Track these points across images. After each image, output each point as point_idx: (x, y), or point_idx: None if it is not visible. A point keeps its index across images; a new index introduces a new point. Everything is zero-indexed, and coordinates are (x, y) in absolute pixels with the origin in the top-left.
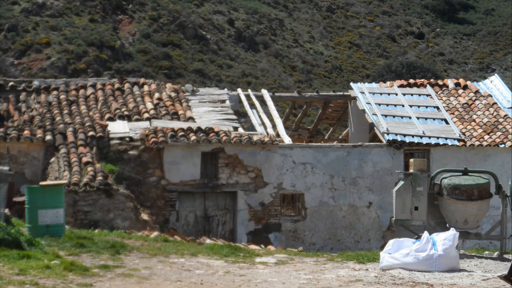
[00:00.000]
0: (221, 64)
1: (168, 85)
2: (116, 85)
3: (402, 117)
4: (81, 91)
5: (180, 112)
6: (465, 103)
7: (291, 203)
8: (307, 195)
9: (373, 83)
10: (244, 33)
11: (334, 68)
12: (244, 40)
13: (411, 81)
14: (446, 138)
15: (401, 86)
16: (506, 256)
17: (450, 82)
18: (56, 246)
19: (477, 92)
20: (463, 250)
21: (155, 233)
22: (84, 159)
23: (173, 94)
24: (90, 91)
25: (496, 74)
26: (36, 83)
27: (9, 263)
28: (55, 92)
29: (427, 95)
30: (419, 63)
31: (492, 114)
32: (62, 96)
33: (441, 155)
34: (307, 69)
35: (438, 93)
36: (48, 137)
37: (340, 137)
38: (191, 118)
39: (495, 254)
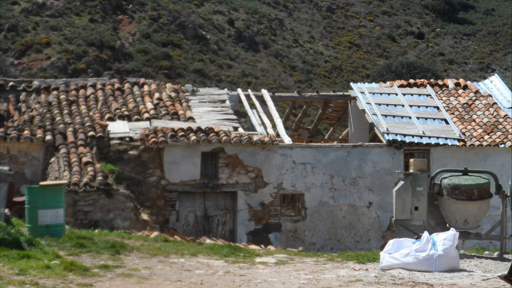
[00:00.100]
0: (221, 64)
1: (168, 85)
2: (116, 85)
3: (402, 117)
4: (81, 91)
5: (180, 112)
6: (465, 103)
7: (291, 203)
8: (307, 195)
9: (373, 83)
10: (244, 33)
11: (334, 68)
12: (244, 40)
13: (411, 81)
14: (446, 138)
15: (401, 86)
16: (506, 256)
17: (450, 82)
18: (56, 246)
19: (477, 92)
20: (463, 250)
21: (155, 233)
22: (84, 159)
23: (173, 94)
24: (90, 91)
25: (496, 74)
26: (36, 83)
27: (9, 263)
28: (55, 92)
29: (427, 95)
30: (419, 63)
31: (492, 114)
32: (62, 96)
33: (441, 155)
34: (307, 69)
35: (438, 93)
36: (48, 137)
37: (340, 137)
38: (191, 118)
39: (495, 254)
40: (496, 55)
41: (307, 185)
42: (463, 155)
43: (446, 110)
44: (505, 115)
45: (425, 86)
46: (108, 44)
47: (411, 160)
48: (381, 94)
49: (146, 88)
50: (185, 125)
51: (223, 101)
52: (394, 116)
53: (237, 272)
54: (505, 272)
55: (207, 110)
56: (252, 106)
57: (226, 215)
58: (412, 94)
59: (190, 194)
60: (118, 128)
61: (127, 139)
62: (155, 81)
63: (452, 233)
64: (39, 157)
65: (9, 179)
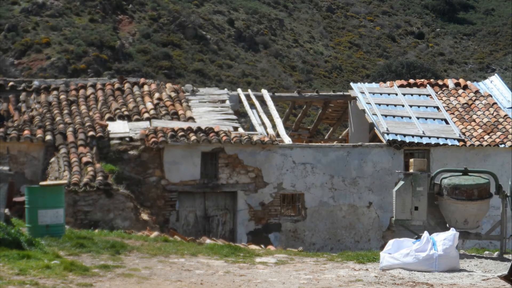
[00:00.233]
0: (221, 64)
1: (168, 85)
2: (116, 85)
3: (402, 117)
4: (81, 91)
5: (180, 112)
6: (465, 103)
7: (291, 203)
8: (307, 195)
9: (373, 83)
10: (244, 33)
11: (334, 68)
12: (244, 40)
13: (411, 81)
14: (446, 138)
15: (401, 86)
16: (506, 256)
17: (450, 82)
18: (56, 246)
19: (477, 92)
20: (463, 250)
21: (155, 233)
22: (84, 159)
23: (173, 94)
24: (90, 91)
25: (496, 74)
26: (36, 83)
27: (9, 263)
28: (55, 92)
29: (427, 95)
30: (419, 63)
31: (492, 114)
32: (62, 96)
33: (441, 155)
34: (307, 69)
35: (438, 93)
36: (48, 137)
37: (340, 137)
38: (191, 118)
39: (495, 254)
40: (496, 55)
41: (307, 185)
42: (463, 155)
43: (446, 110)
44: (505, 115)
45: (425, 86)
46: (108, 44)
47: (411, 160)
48: (381, 94)
49: (146, 88)
50: (185, 125)
51: (223, 101)
52: (394, 116)
53: (237, 272)
54: (505, 272)
55: (207, 110)
56: (252, 106)
57: (226, 215)
58: (412, 94)
59: (190, 194)
60: (118, 128)
61: (127, 139)
62: (155, 81)
63: (452, 233)
64: (39, 157)
65: (9, 179)
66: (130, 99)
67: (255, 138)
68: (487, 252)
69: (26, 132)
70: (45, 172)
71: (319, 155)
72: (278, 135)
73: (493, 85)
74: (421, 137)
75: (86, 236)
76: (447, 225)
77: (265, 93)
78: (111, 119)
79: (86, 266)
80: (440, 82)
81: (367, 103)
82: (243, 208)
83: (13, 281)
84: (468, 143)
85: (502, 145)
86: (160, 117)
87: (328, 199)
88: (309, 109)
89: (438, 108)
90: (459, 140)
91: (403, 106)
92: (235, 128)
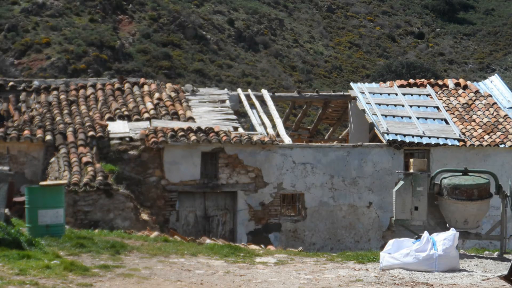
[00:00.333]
0: (221, 64)
1: (168, 85)
2: (116, 85)
3: (402, 117)
4: (81, 91)
5: (180, 112)
6: (465, 103)
7: (291, 203)
8: (307, 195)
9: (373, 83)
10: (244, 33)
11: (334, 68)
12: (244, 40)
13: (411, 81)
14: (446, 138)
15: (401, 86)
16: (506, 256)
17: (450, 82)
18: (56, 246)
19: (477, 92)
20: (463, 250)
21: (155, 233)
22: (84, 159)
23: (173, 94)
24: (90, 91)
25: (496, 74)
26: (36, 83)
27: (9, 263)
28: (55, 92)
29: (427, 95)
30: (419, 63)
31: (492, 114)
32: (62, 96)
33: (441, 155)
34: (307, 69)
35: (438, 93)
36: (48, 137)
37: (340, 137)
38: (191, 118)
39: (495, 254)
40: (496, 55)
41: (307, 185)
42: (463, 155)
43: (446, 110)
44: (505, 115)
45: (425, 86)
46: (108, 44)
47: (411, 160)
48: (381, 94)
49: (146, 88)
50: (185, 125)
51: (223, 101)
52: (394, 116)
53: (237, 272)
54: (505, 272)
55: (207, 110)
56: (252, 106)
57: (226, 215)
58: (412, 94)
59: (190, 194)
60: (118, 128)
61: (127, 139)
62: (155, 81)
63: (452, 233)
64: (39, 157)
65: (9, 179)
66: (130, 99)
67: (255, 138)
68: (487, 252)
69: (26, 132)
70: (45, 172)
71: (319, 155)
72: (278, 135)
73: (493, 85)
74: (421, 137)
75: (86, 236)
76: (447, 225)
77: (265, 93)
78: (111, 119)
79: (86, 266)
80: (440, 82)
81: (367, 103)
82: (243, 208)
83: (13, 281)
84: (468, 143)
85: (502, 145)
86: (160, 117)
87: (328, 199)
88: (309, 109)
89: (438, 108)
90: (459, 140)
91: (403, 106)
92: (235, 128)
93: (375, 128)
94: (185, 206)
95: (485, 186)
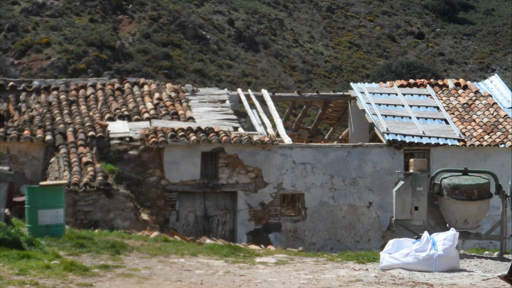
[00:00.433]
0: (221, 64)
1: (168, 85)
2: (116, 85)
3: (402, 117)
4: (81, 91)
5: (180, 112)
6: (465, 103)
7: (291, 203)
8: (307, 195)
9: (373, 83)
10: (244, 33)
11: (334, 68)
12: (244, 40)
13: (411, 81)
14: (446, 138)
15: (401, 86)
16: (506, 256)
17: (450, 82)
18: (56, 246)
19: (477, 92)
20: (463, 250)
21: (155, 233)
22: (84, 159)
23: (173, 94)
24: (90, 91)
25: (496, 74)
26: (36, 83)
27: (9, 263)
28: (55, 92)
29: (427, 95)
30: (419, 63)
31: (492, 114)
32: (62, 96)
33: (441, 155)
34: (307, 69)
35: (438, 93)
36: (48, 137)
37: (340, 137)
38: (191, 118)
39: (495, 254)
40: (496, 55)
41: (307, 185)
42: (463, 155)
43: (446, 110)
44: (505, 115)
45: (425, 86)
46: (108, 44)
47: (411, 160)
48: (381, 94)
49: (146, 88)
50: (185, 125)
51: (223, 101)
52: (394, 116)
53: (237, 272)
54: (505, 272)
55: (207, 110)
56: (252, 106)
57: (226, 215)
58: (412, 94)
59: (190, 194)
60: (118, 128)
61: (127, 139)
62: (155, 81)
63: (452, 233)
64: (39, 157)
65: (9, 179)
66: (130, 99)
67: (255, 138)
68: (487, 252)
69: (26, 132)
70: (45, 172)
71: (319, 155)
72: (278, 135)
73: (493, 85)
74: (421, 137)
75: (86, 236)
76: (447, 225)
77: (265, 93)
78: (111, 119)
79: (86, 266)
80: (440, 82)
81: (367, 103)
82: (243, 208)
83: (13, 281)
84: (468, 143)
85: (502, 145)
86: (160, 117)
87: (328, 199)
88: (309, 109)
89: (438, 108)
90: (459, 140)
91: (403, 106)
92: (235, 128)
93: (375, 128)
94: (185, 206)
95: (485, 186)
